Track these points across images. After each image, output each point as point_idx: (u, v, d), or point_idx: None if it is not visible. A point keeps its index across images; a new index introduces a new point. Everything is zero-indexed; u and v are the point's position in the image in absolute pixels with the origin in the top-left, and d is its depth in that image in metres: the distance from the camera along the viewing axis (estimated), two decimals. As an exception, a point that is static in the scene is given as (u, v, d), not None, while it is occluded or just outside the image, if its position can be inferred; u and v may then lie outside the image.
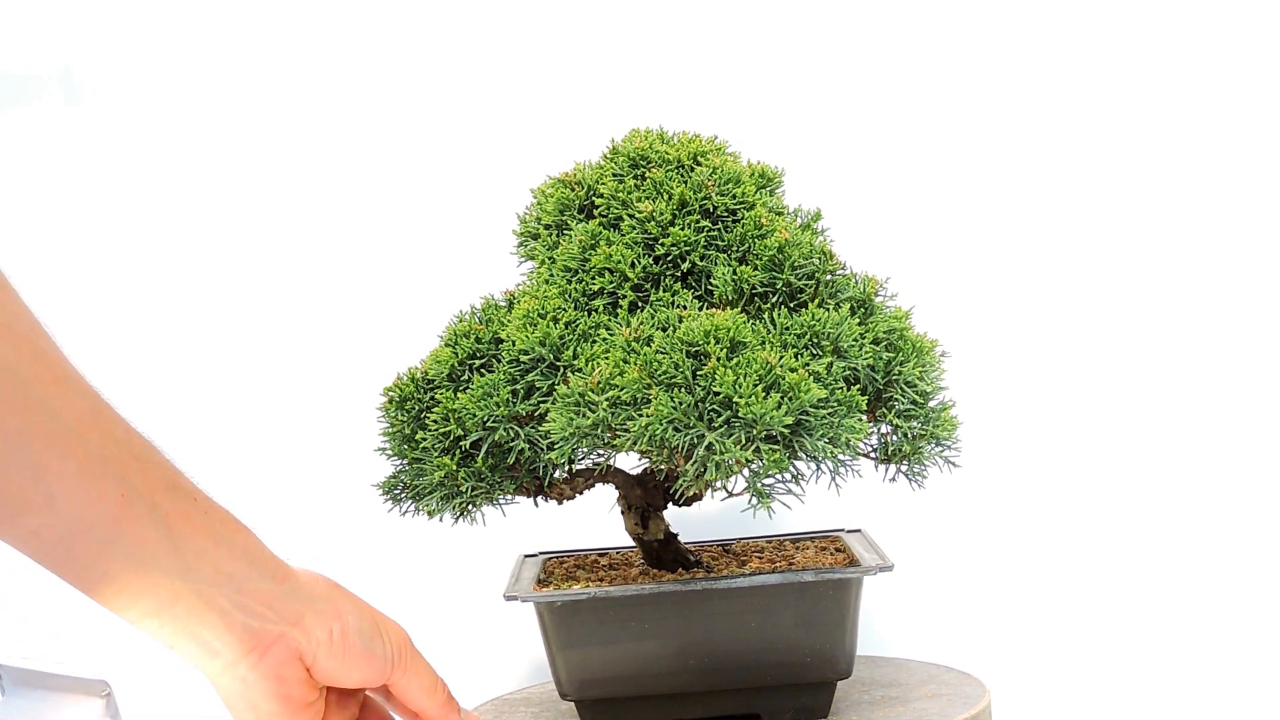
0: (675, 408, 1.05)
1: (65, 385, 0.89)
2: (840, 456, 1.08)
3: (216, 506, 0.97)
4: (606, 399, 1.08)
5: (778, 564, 1.28)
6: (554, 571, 1.33)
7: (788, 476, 1.07)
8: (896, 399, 1.14)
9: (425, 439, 1.19)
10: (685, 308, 1.15)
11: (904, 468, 1.18)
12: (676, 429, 1.05)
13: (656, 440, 1.06)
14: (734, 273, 1.16)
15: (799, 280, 1.15)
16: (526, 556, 1.40)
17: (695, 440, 1.05)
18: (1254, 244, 1.62)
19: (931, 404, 1.16)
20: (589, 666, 1.20)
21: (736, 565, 1.29)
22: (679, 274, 1.18)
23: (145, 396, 1.55)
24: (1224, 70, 1.62)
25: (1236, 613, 1.60)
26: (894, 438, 1.16)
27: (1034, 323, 1.62)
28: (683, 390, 1.06)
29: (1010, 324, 1.62)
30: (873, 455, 1.18)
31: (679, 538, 1.30)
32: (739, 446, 1.04)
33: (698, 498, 1.28)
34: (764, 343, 1.10)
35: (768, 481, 1.06)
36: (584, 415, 1.08)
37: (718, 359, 1.06)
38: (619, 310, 1.17)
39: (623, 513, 1.28)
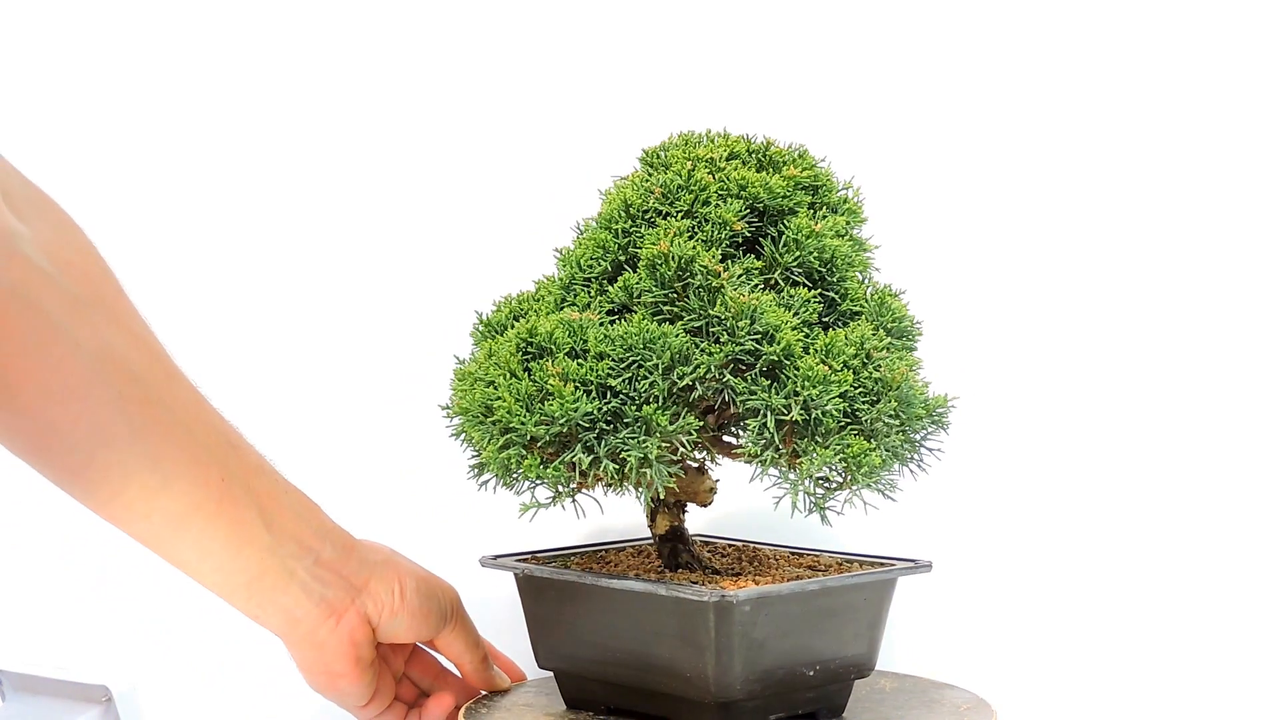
0: (474, 401, 1.09)
1: (175, 381, 1.01)
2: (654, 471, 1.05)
3: (293, 486, 1.10)
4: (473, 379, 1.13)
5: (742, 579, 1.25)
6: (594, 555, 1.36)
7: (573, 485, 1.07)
8: (750, 423, 1.08)
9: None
10: (588, 308, 1.16)
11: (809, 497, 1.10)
12: (479, 424, 1.09)
13: (468, 431, 1.11)
14: (626, 281, 1.15)
15: (664, 292, 1.12)
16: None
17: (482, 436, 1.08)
18: (1253, 248, 1.56)
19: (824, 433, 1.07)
20: (544, 639, 1.26)
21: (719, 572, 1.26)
22: (595, 276, 1.19)
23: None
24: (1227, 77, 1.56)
25: (1253, 629, 1.54)
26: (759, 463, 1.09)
27: (1042, 334, 1.58)
28: (490, 387, 1.09)
29: (1018, 334, 1.58)
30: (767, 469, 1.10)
31: (688, 534, 1.28)
32: (496, 448, 1.06)
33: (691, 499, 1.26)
34: (573, 352, 1.08)
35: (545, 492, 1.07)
36: (466, 395, 1.13)
37: (518, 362, 1.09)
38: (551, 302, 1.20)
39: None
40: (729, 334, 1.08)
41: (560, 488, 1.06)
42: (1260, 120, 1.55)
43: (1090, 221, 1.57)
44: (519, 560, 1.28)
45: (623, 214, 1.18)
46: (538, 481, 1.05)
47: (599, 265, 1.18)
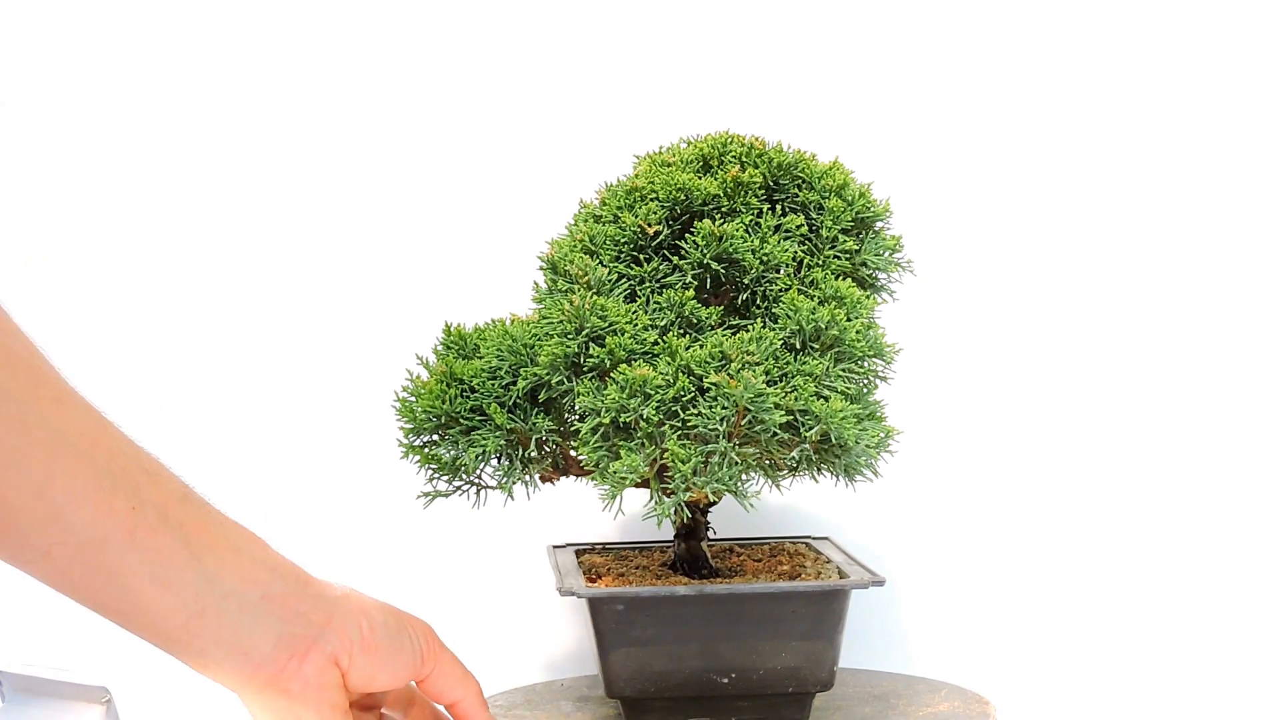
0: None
1: (65, 404, 0.89)
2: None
3: (229, 519, 0.96)
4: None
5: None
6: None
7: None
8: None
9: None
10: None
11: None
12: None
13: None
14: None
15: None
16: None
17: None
18: (1248, 246, 1.57)
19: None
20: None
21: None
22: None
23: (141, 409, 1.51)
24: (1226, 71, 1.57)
25: (1246, 626, 1.55)
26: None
27: (1030, 322, 1.58)
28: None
29: (1003, 323, 1.58)
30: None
31: (701, 543, 1.28)
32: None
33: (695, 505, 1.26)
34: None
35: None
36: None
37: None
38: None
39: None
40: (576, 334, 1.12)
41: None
42: (1226, 116, 1.57)
43: (1069, 221, 1.57)
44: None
45: (601, 212, 1.22)
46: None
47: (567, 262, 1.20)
